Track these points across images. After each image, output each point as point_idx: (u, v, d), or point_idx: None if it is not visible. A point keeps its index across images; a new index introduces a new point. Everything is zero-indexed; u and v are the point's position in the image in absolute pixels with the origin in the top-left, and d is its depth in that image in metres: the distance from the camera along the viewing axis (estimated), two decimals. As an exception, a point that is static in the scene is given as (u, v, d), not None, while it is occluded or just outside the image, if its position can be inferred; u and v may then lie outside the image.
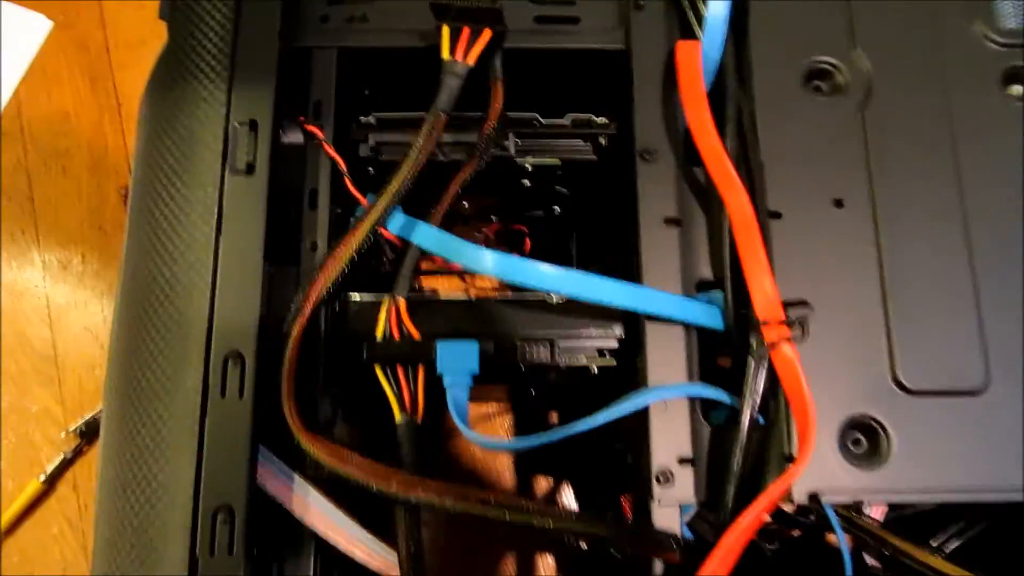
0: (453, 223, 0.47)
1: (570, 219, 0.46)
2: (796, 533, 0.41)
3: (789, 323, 0.34)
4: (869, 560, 0.43)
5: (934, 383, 0.35)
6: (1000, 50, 0.39)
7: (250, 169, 0.34)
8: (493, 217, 0.47)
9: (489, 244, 0.49)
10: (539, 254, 0.47)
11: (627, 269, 0.37)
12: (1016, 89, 0.39)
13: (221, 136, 0.34)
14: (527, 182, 0.42)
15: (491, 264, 0.33)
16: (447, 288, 0.54)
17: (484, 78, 0.38)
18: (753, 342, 0.34)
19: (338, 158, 0.36)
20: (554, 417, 0.51)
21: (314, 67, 0.38)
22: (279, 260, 0.36)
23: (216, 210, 0.33)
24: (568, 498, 0.55)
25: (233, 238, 0.33)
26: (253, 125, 0.35)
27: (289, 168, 0.37)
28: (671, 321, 0.35)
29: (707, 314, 0.36)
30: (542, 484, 0.54)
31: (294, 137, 0.38)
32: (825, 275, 0.36)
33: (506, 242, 0.48)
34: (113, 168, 0.61)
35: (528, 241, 0.48)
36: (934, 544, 0.42)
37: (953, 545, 0.43)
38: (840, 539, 0.39)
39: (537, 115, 0.39)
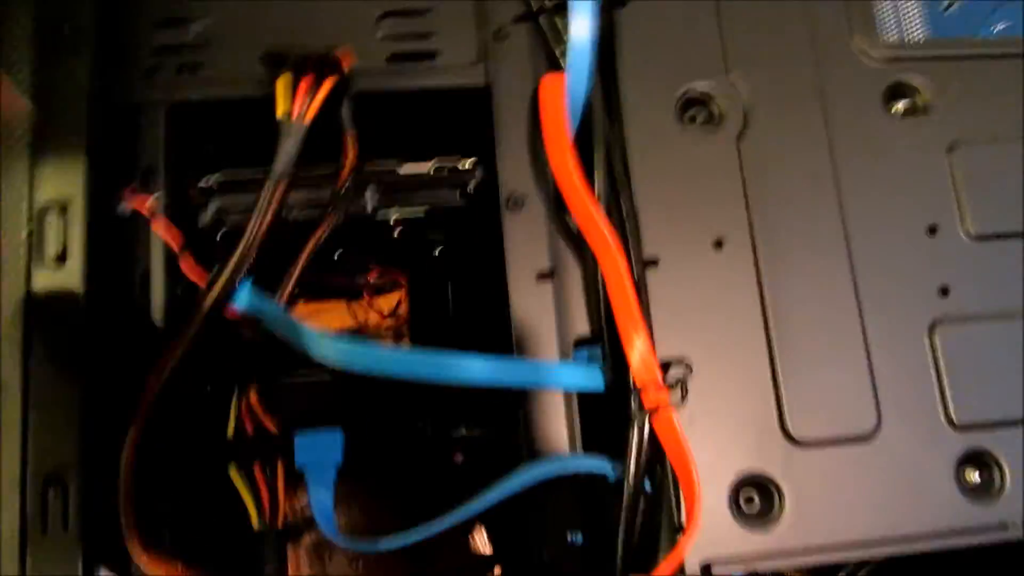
0: (327, 271, 0.44)
1: (448, 263, 0.43)
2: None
3: (669, 385, 0.32)
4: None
5: (825, 431, 0.33)
6: (881, 67, 0.37)
7: (61, 258, 0.30)
8: (371, 264, 0.44)
9: (369, 293, 0.46)
10: (419, 301, 0.44)
11: (501, 323, 0.35)
12: (898, 106, 0.37)
13: (24, 223, 0.30)
14: (396, 234, 0.38)
15: (337, 354, 0.30)
16: (333, 321, 0.51)
17: (335, 127, 0.35)
18: (632, 406, 0.32)
19: (167, 237, 0.32)
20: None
21: (142, 126, 0.34)
22: (113, 354, 0.32)
23: (22, 313, 0.30)
24: (482, 540, 0.52)
25: (44, 345, 0.29)
26: (62, 207, 0.31)
27: (123, 244, 0.33)
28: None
29: (585, 377, 0.33)
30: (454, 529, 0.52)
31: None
32: (706, 325, 0.34)
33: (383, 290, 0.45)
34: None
35: (405, 294, 0.45)
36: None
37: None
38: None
39: (395, 164, 0.36)
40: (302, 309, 0.52)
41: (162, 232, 0.33)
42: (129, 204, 0.33)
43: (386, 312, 0.49)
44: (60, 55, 0.33)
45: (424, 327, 0.44)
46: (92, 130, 0.32)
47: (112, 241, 0.33)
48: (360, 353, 0.30)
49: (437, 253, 0.43)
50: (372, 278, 0.45)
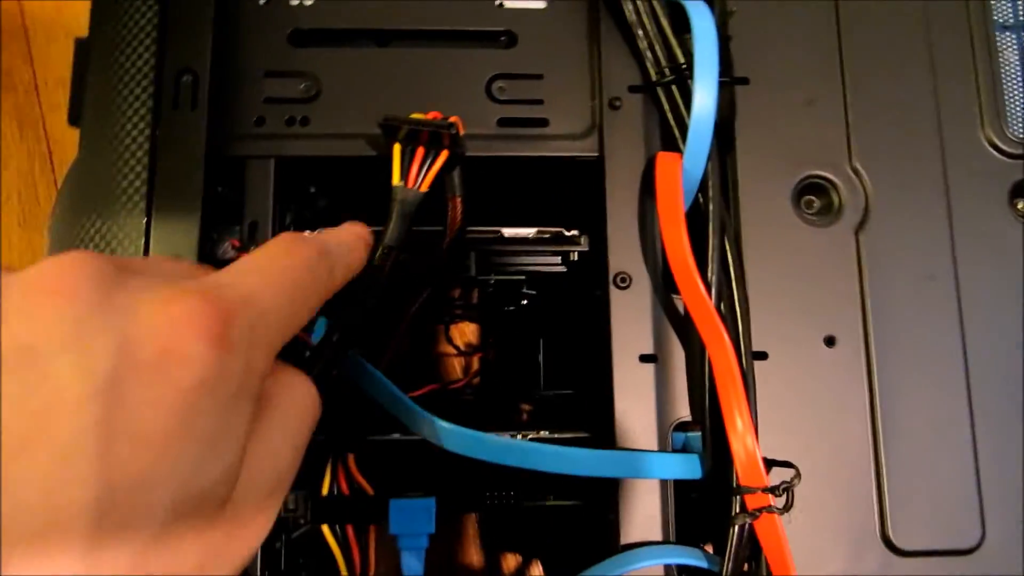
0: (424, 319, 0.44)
1: (538, 318, 0.43)
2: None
3: (773, 490, 0.31)
4: None
5: (926, 543, 0.32)
6: (1008, 161, 0.35)
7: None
8: (458, 313, 0.44)
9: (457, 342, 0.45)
10: (505, 352, 0.44)
11: (600, 402, 0.34)
12: None
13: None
14: (491, 289, 0.38)
15: (443, 436, 0.30)
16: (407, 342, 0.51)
17: (442, 190, 0.34)
18: (734, 506, 0.31)
19: (274, 294, 0.32)
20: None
21: (248, 179, 0.34)
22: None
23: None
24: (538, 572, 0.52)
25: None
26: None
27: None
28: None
29: (685, 466, 0.32)
30: (510, 562, 0.52)
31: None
32: (813, 423, 0.33)
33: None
34: (46, 220, 0.56)
35: (479, 326, 0.45)
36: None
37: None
38: None
39: (500, 230, 0.36)
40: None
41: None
42: (236, 255, 0.33)
43: (458, 341, 0.49)
44: (178, 107, 0.32)
45: (506, 383, 0.44)
46: (206, 184, 0.32)
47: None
48: (464, 439, 0.29)
49: (525, 303, 0.42)
50: (455, 313, 0.44)
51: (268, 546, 0.33)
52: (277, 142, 0.34)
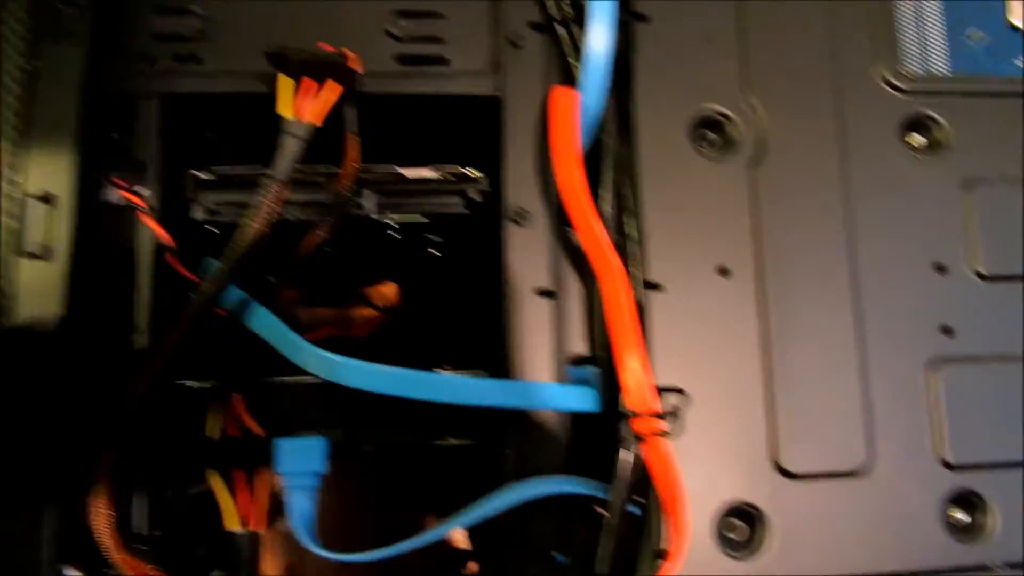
0: (318, 265, 0.43)
1: (446, 265, 0.42)
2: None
3: (662, 414, 0.31)
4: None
5: (817, 465, 0.33)
6: (902, 97, 0.36)
7: (46, 252, 0.30)
8: (367, 260, 0.43)
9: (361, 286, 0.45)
10: (412, 300, 0.44)
11: (496, 337, 0.34)
12: (916, 140, 0.36)
13: (6, 212, 0.29)
14: (395, 235, 0.38)
15: (332, 368, 0.29)
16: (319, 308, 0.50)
17: (337, 127, 0.34)
18: (623, 432, 0.32)
19: (159, 230, 0.32)
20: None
21: (136, 117, 0.33)
22: (98, 347, 0.31)
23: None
24: (460, 536, 0.53)
25: (25, 340, 0.29)
26: (49, 198, 0.30)
27: (113, 236, 0.33)
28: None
29: (580, 398, 0.33)
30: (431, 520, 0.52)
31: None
32: (707, 352, 0.33)
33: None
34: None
35: (397, 287, 0.44)
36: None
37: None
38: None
39: (399, 168, 0.35)
40: (290, 293, 0.51)
41: (152, 226, 0.32)
42: (120, 195, 0.32)
43: (377, 303, 0.49)
44: (55, 37, 0.32)
45: (414, 327, 0.44)
46: (86, 119, 0.31)
47: (99, 234, 0.32)
48: (350, 369, 0.29)
49: (435, 254, 0.42)
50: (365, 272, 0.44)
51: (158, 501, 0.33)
52: (166, 79, 0.34)
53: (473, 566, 0.46)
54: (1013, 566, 0.34)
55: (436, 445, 0.35)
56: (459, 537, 0.51)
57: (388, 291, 0.48)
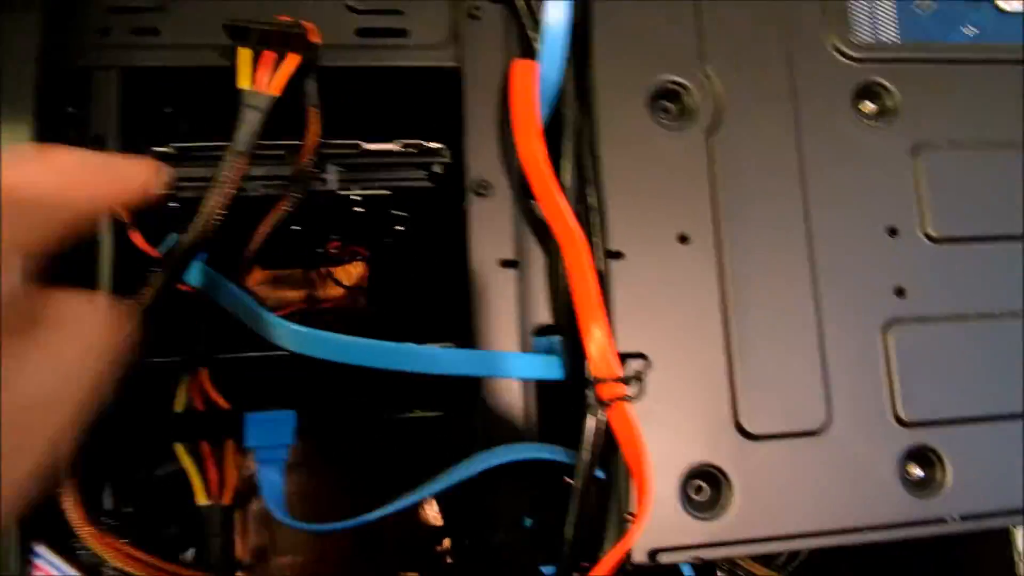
0: (286, 244, 0.43)
1: (412, 240, 0.43)
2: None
3: (625, 380, 0.32)
4: (724, 580, 0.43)
5: (776, 425, 0.34)
6: (853, 65, 0.37)
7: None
8: (333, 235, 0.43)
9: (327, 264, 0.45)
10: (379, 276, 0.44)
11: (462, 309, 0.34)
12: (867, 107, 0.37)
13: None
14: (359, 209, 0.38)
15: (298, 340, 0.30)
16: (288, 289, 0.50)
17: (298, 101, 0.34)
18: (588, 398, 0.32)
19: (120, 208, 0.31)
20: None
21: (93, 91, 0.33)
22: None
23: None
24: (433, 513, 0.53)
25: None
26: (9, 174, 0.30)
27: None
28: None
29: (545, 367, 0.33)
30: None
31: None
32: (668, 318, 0.34)
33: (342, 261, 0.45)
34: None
35: (365, 264, 0.44)
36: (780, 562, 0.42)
37: (800, 558, 0.43)
38: (688, 577, 0.38)
39: (361, 142, 0.35)
40: (257, 275, 0.51)
41: (115, 203, 0.31)
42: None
43: (346, 282, 0.49)
44: (10, 9, 0.31)
45: (382, 303, 0.44)
46: (43, 93, 0.31)
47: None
48: (320, 341, 0.29)
49: (401, 229, 0.42)
50: (332, 249, 0.44)
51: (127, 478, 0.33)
52: (123, 52, 0.33)
53: (447, 542, 0.47)
54: (968, 518, 0.35)
55: (405, 417, 0.35)
56: (433, 514, 0.52)
57: (355, 270, 0.49)
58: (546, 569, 0.34)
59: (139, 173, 0.23)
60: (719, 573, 0.43)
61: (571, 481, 0.32)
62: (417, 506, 0.51)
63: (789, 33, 0.36)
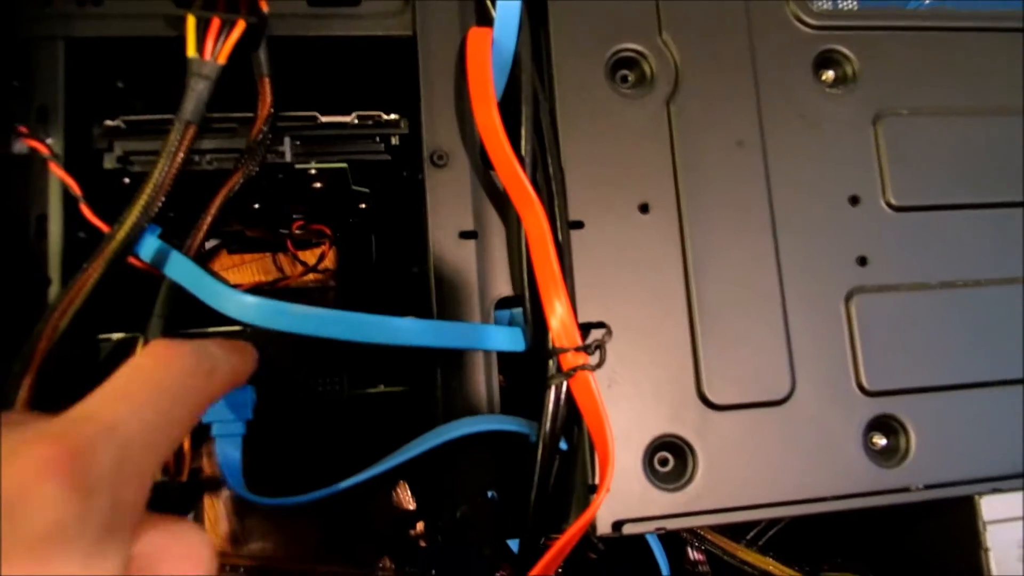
0: (248, 224, 0.42)
1: (373, 217, 0.42)
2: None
3: (587, 348, 0.32)
4: (693, 555, 0.43)
5: (740, 396, 0.34)
6: (812, 32, 0.37)
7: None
8: (296, 215, 0.42)
9: (293, 244, 0.44)
10: (344, 255, 0.43)
11: (423, 280, 0.34)
12: (828, 75, 0.37)
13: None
14: (318, 184, 0.37)
15: (253, 311, 0.29)
16: (257, 274, 0.50)
17: (250, 73, 0.33)
18: (550, 368, 0.32)
19: (68, 179, 0.31)
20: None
21: (36, 63, 0.32)
22: (5, 299, 0.30)
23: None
24: (406, 496, 0.52)
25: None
26: (-52, 145, 0.29)
27: (16, 186, 0.31)
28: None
29: (506, 338, 0.33)
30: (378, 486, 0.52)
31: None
32: (630, 289, 0.33)
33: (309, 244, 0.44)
34: None
35: (329, 244, 0.44)
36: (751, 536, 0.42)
37: (770, 533, 0.43)
38: (657, 552, 0.38)
39: (316, 113, 0.35)
40: (225, 261, 0.51)
41: (61, 174, 0.31)
42: (25, 143, 0.31)
43: (312, 264, 0.48)
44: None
45: (349, 281, 0.43)
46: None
47: (5, 182, 0.31)
48: (276, 311, 0.29)
49: (364, 206, 0.41)
50: (296, 229, 0.43)
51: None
52: (67, 22, 0.32)
53: (420, 526, 0.46)
54: (932, 486, 0.35)
55: (368, 392, 0.34)
56: (405, 498, 0.51)
57: (320, 251, 0.48)
58: (512, 542, 0.33)
59: (237, 353, 0.24)
60: (689, 549, 0.42)
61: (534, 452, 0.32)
62: (389, 490, 0.50)
63: (748, 0, 0.36)
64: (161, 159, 0.30)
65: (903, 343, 0.35)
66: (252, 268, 0.50)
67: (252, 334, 0.33)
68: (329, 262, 0.48)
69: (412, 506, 0.52)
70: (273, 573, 0.40)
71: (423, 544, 0.46)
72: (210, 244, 0.49)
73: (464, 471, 0.32)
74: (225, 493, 0.47)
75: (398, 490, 0.53)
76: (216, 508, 0.47)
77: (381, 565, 0.46)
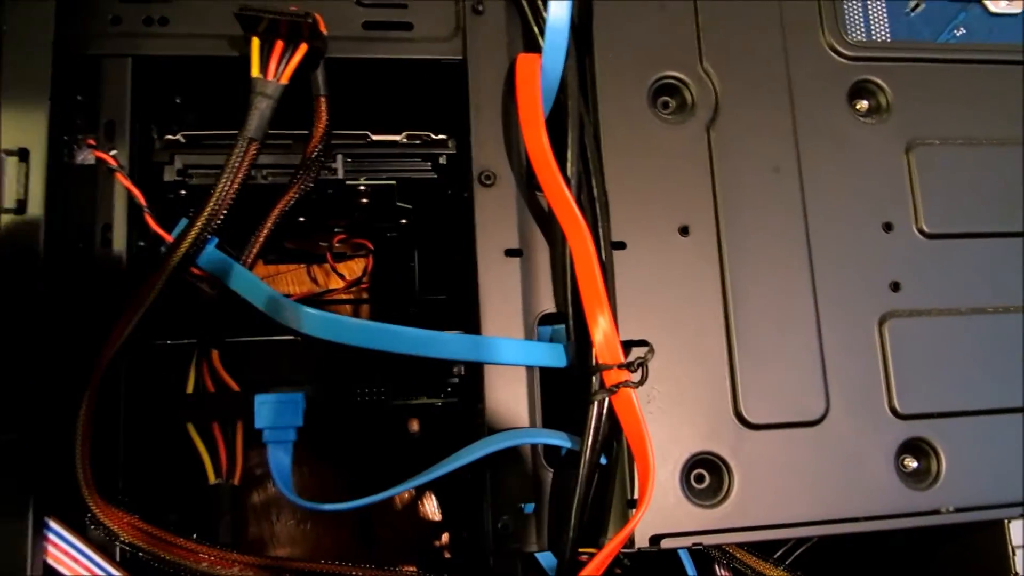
0: (291, 236, 0.43)
1: (415, 233, 0.43)
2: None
3: (629, 366, 0.32)
4: (720, 572, 0.43)
5: (776, 416, 0.34)
6: (847, 63, 0.38)
7: (20, 207, 0.30)
8: (337, 228, 0.44)
9: (332, 258, 0.45)
10: (383, 268, 0.44)
11: (468, 298, 0.35)
12: (862, 104, 0.38)
13: (-19, 169, 0.29)
14: (364, 200, 0.38)
15: (308, 323, 0.30)
16: (292, 284, 0.51)
17: (306, 91, 0.34)
18: (593, 384, 0.32)
19: (135, 190, 0.32)
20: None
21: (105, 79, 0.33)
22: (71, 305, 0.31)
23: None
24: (431, 507, 0.53)
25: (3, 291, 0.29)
26: (23, 154, 0.30)
27: (82, 195, 0.33)
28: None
29: (549, 354, 0.34)
30: (404, 494, 0.52)
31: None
32: (669, 309, 0.34)
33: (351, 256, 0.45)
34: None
35: (370, 260, 0.45)
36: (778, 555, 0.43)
37: (797, 552, 0.44)
38: (688, 568, 0.39)
39: (368, 132, 0.36)
40: (260, 271, 0.52)
41: (128, 185, 0.32)
42: (93, 154, 0.32)
43: (348, 277, 0.49)
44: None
45: (387, 295, 0.44)
46: (56, 79, 0.31)
47: (73, 191, 0.32)
48: (335, 324, 0.30)
49: (405, 222, 0.42)
50: (336, 243, 0.44)
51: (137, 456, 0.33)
52: (134, 41, 0.34)
53: (445, 537, 0.47)
54: (962, 509, 0.35)
55: (412, 403, 0.35)
56: (431, 508, 0.52)
57: (357, 265, 0.49)
58: (541, 556, 0.34)
59: None
60: (716, 567, 0.43)
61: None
62: (416, 500, 0.51)
63: (785, 32, 0.37)
64: (224, 174, 0.31)
65: (935, 367, 0.36)
66: (288, 278, 0.51)
67: (304, 343, 0.34)
68: (365, 274, 0.49)
69: (438, 517, 0.52)
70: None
71: (447, 555, 0.47)
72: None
73: (505, 482, 0.33)
74: (255, 498, 0.48)
75: (424, 501, 0.54)
76: (248, 509, 0.47)
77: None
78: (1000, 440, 0.36)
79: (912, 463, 0.36)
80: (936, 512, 0.35)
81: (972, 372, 0.36)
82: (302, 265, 0.51)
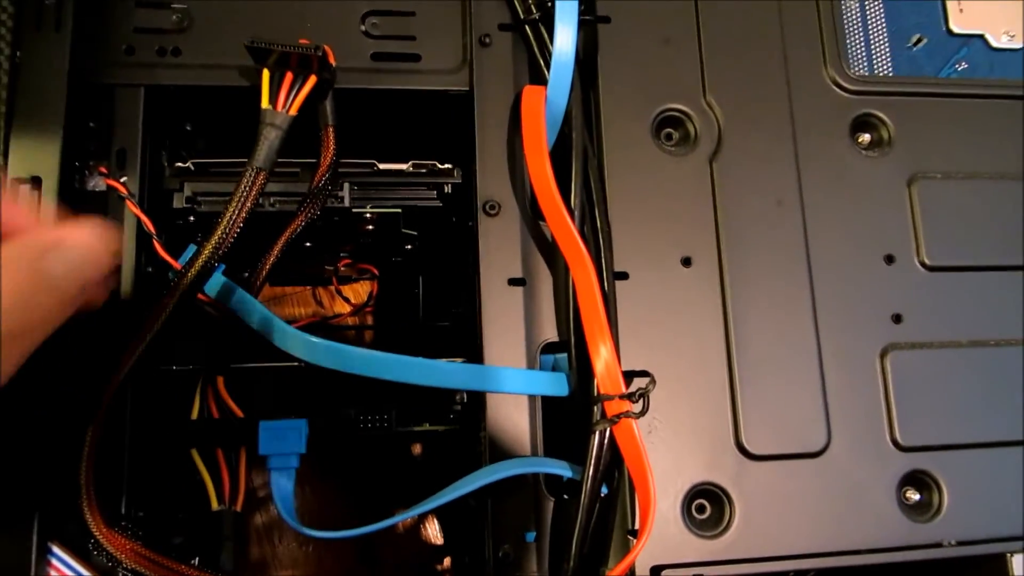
0: (296, 260, 0.44)
1: (420, 259, 0.43)
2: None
3: (630, 396, 0.33)
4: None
5: (777, 447, 0.34)
6: (849, 97, 0.38)
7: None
8: (343, 253, 0.44)
9: (338, 281, 0.46)
10: (388, 294, 0.45)
11: (471, 325, 0.35)
12: (864, 138, 0.38)
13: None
14: (370, 227, 0.39)
15: (314, 352, 0.30)
16: (296, 307, 0.51)
17: (315, 121, 0.35)
18: (595, 413, 0.33)
19: (144, 218, 0.32)
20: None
21: (117, 108, 0.34)
22: (78, 333, 0.32)
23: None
24: (433, 531, 0.53)
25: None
26: (36, 181, 0.31)
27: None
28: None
29: (551, 383, 0.34)
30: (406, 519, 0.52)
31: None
32: (671, 339, 0.34)
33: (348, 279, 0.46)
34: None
35: (375, 285, 0.45)
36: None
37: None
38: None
39: (375, 161, 0.36)
40: (265, 292, 0.52)
41: (138, 213, 0.32)
42: (104, 181, 0.33)
43: (353, 300, 0.50)
44: (40, 29, 0.32)
45: (391, 320, 0.45)
46: (69, 108, 0.32)
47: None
48: (339, 353, 0.30)
49: (410, 248, 0.43)
50: (342, 267, 0.45)
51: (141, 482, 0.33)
52: (147, 71, 0.34)
53: (447, 561, 0.47)
54: (964, 543, 0.35)
55: (414, 431, 0.35)
56: (433, 532, 0.52)
57: (362, 288, 0.50)
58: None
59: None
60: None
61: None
62: (418, 524, 0.51)
63: (788, 65, 0.38)
64: (232, 202, 0.31)
65: (937, 400, 0.36)
66: (293, 300, 0.52)
67: (307, 370, 0.34)
68: (370, 298, 0.49)
69: (440, 540, 0.52)
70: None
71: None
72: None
73: (507, 510, 0.33)
74: (257, 519, 0.48)
75: (426, 525, 0.54)
76: (248, 534, 0.47)
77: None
78: (1002, 473, 0.36)
79: (914, 495, 0.36)
80: (938, 545, 0.35)
81: (974, 405, 0.36)
82: (307, 288, 0.52)
